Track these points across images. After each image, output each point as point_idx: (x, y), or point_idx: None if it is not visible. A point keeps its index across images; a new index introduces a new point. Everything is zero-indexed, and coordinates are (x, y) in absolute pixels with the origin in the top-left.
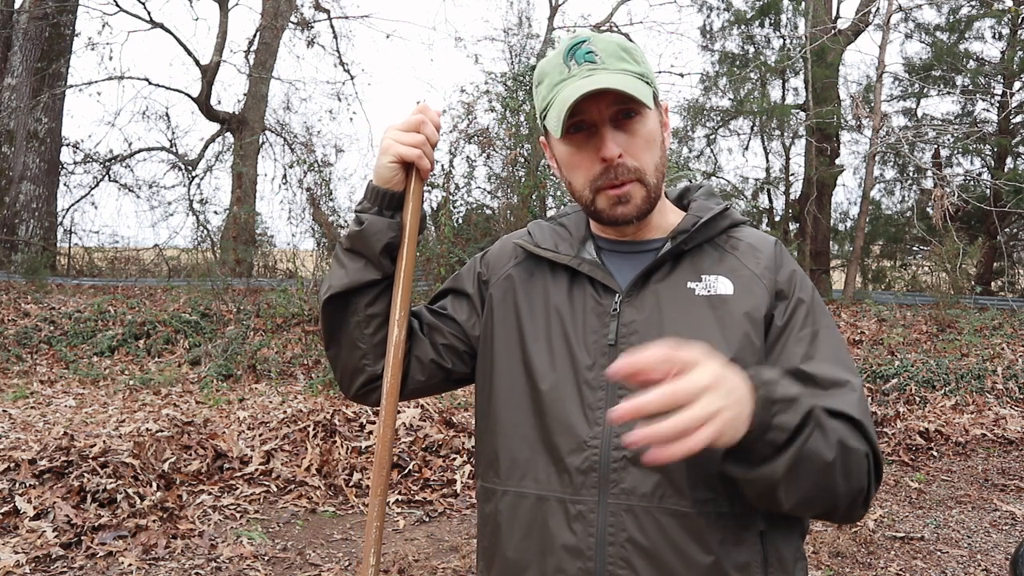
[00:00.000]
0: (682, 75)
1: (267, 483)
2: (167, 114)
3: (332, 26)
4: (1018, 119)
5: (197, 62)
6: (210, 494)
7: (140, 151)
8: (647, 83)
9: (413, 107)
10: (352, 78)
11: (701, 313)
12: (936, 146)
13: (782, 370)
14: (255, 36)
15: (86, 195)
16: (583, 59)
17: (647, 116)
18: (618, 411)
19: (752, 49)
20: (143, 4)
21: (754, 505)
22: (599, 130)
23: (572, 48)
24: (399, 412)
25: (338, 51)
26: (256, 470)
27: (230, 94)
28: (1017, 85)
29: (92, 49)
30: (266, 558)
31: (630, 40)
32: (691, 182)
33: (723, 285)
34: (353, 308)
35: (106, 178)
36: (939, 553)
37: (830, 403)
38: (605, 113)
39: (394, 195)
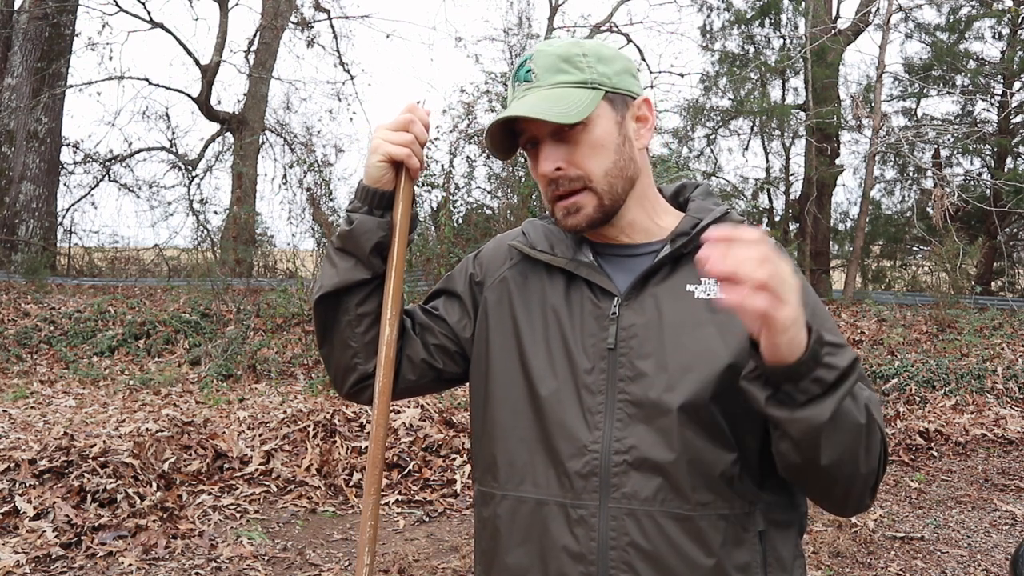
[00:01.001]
0: (682, 75)
1: (267, 483)
2: (167, 114)
3: (332, 26)
4: (1018, 119)
5: (197, 62)
6: (210, 494)
7: (140, 151)
8: (592, 88)
9: (409, 104)
10: (352, 78)
11: (701, 316)
12: (936, 146)
13: None
14: (255, 36)
15: (86, 195)
16: (522, 78)
17: (592, 123)
18: (713, 233)
19: (752, 49)
20: (143, 4)
21: (787, 461)
22: (538, 147)
23: (519, 67)
24: (399, 412)
25: (338, 51)
26: (256, 470)
27: (230, 94)
28: (1017, 85)
29: (92, 49)
30: (266, 558)
31: (629, 39)
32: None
33: None
34: (344, 307)
35: (106, 178)
36: (939, 553)
37: None
38: (543, 129)
39: (384, 194)
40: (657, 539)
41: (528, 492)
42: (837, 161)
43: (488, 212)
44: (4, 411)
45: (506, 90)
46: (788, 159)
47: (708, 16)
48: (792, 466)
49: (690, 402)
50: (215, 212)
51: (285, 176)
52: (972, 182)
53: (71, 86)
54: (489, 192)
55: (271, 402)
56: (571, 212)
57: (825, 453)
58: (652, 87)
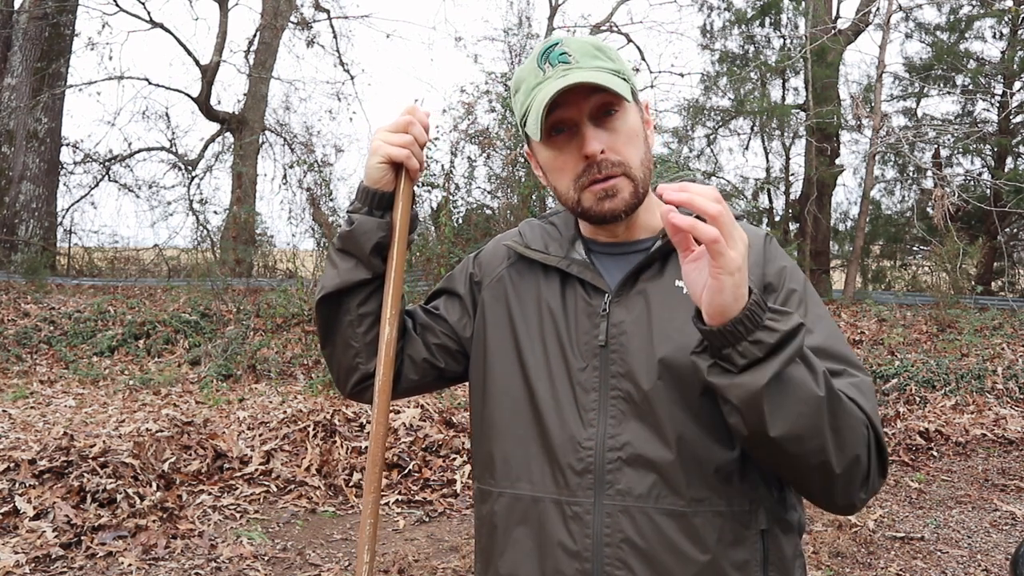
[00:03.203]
0: (682, 75)
1: (267, 483)
2: (167, 114)
3: (332, 26)
4: (1018, 119)
5: (197, 62)
6: (210, 494)
7: (140, 151)
8: (624, 79)
9: (409, 106)
10: (352, 78)
11: (688, 312)
12: (936, 146)
13: None
14: (255, 36)
15: (86, 195)
16: (557, 60)
17: (627, 111)
18: (666, 190)
19: (752, 49)
20: (143, 4)
21: (740, 435)
22: (580, 129)
23: (545, 51)
24: (399, 412)
25: (338, 51)
26: (256, 470)
27: (230, 94)
28: (1017, 85)
29: (92, 49)
30: (266, 558)
31: (629, 39)
32: (694, 179)
33: None
34: (345, 307)
35: (106, 178)
36: (939, 553)
37: None
38: (584, 108)
39: (384, 195)
40: (651, 536)
41: (524, 489)
42: (837, 161)
43: (488, 212)
44: (4, 411)
45: (506, 90)
46: (788, 159)
47: (708, 16)
48: (747, 441)
49: (680, 398)
50: (215, 212)
51: (285, 176)
52: (972, 182)
53: (71, 86)
54: (489, 192)
55: (271, 402)
56: (609, 195)
57: (773, 424)
58: (652, 87)
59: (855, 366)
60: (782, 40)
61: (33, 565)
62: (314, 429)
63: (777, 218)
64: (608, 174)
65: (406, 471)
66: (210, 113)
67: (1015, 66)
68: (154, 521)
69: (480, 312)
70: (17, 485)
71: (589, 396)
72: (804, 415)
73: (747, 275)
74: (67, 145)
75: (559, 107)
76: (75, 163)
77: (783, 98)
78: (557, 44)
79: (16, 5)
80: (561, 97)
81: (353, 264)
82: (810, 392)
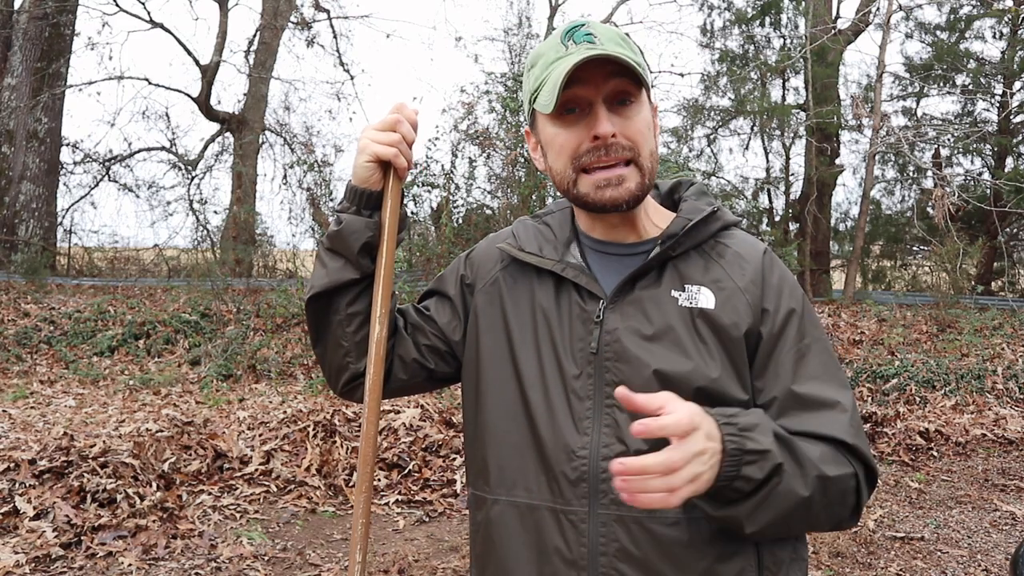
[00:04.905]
0: (682, 75)
1: (267, 483)
2: (167, 114)
3: (332, 26)
4: (1018, 119)
5: (197, 62)
6: (210, 494)
7: (140, 151)
8: (643, 70)
9: (397, 104)
10: (352, 78)
11: (683, 323)
12: (936, 146)
13: (761, 413)
14: (255, 36)
15: (86, 195)
16: (582, 39)
17: (642, 104)
18: (617, 465)
19: (752, 48)
20: (143, 4)
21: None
22: (593, 109)
23: (570, 30)
24: (399, 412)
25: (338, 51)
26: (256, 470)
27: (230, 94)
28: (1017, 85)
29: (92, 49)
30: (266, 558)
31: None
32: (694, 181)
33: (705, 297)
34: (335, 307)
35: (106, 178)
36: (939, 553)
37: (819, 427)
38: (602, 90)
39: (371, 194)
40: (646, 545)
41: (520, 497)
42: (837, 161)
43: (488, 212)
44: (4, 411)
45: (506, 90)
46: (788, 159)
47: (708, 15)
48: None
49: None
50: (215, 212)
51: (285, 176)
52: (972, 182)
53: (71, 86)
54: (489, 192)
55: (271, 402)
56: (613, 184)
57: (750, 528)
58: (652, 87)
59: (843, 390)
60: (782, 40)
61: (33, 565)
62: (314, 429)
63: (777, 218)
64: (617, 158)
65: (406, 471)
66: (210, 113)
67: (1015, 66)
68: (154, 521)
69: (473, 316)
70: (17, 485)
71: (583, 404)
72: (789, 515)
73: (713, 451)
74: (67, 145)
75: (576, 84)
76: (75, 163)
77: (783, 98)
78: (583, 25)
79: (16, 5)
80: (580, 74)
81: (341, 264)
82: (795, 498)
